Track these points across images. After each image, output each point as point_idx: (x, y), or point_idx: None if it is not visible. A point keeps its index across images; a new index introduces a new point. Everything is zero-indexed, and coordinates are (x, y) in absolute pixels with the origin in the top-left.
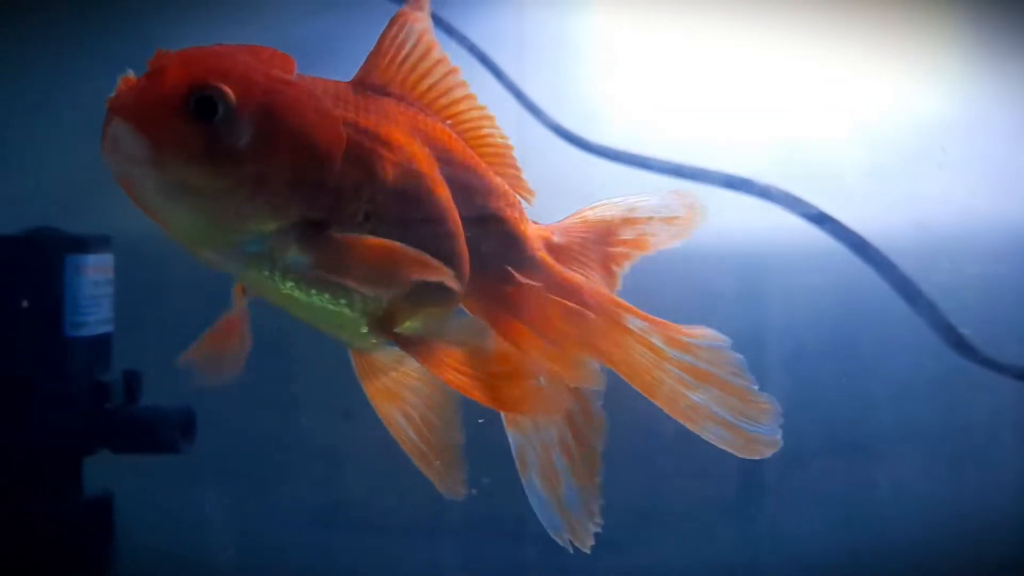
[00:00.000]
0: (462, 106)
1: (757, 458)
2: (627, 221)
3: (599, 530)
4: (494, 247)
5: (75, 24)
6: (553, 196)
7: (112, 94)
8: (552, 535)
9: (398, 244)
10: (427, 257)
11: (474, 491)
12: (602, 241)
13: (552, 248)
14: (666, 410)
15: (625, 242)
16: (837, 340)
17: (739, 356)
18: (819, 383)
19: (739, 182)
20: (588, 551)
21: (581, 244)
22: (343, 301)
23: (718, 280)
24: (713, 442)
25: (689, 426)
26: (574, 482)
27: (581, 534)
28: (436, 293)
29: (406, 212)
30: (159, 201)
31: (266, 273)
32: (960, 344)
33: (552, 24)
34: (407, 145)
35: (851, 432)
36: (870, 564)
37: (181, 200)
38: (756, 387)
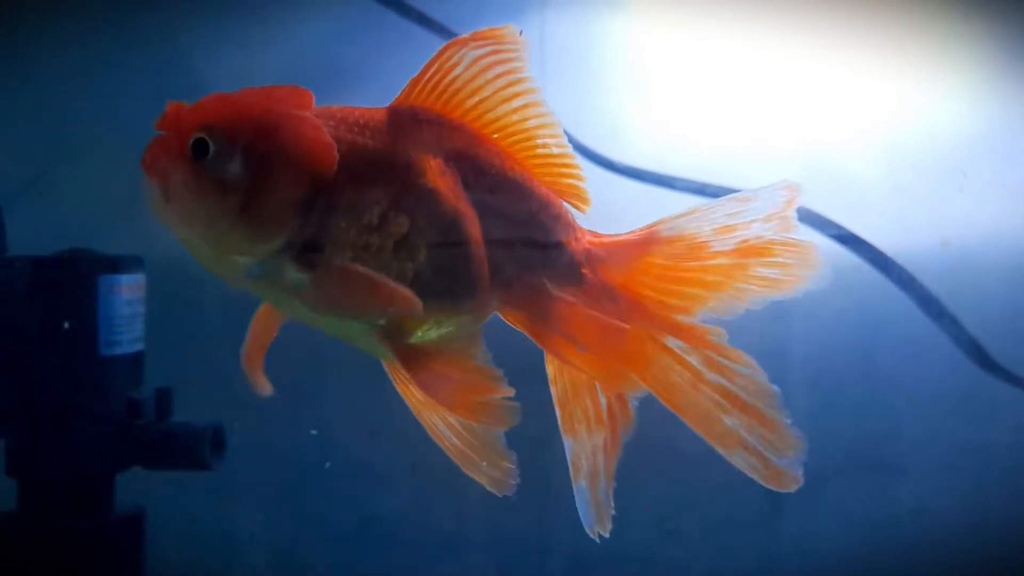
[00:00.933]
0: (514, 118)
1: (780, 490)
2: (724, 231)
3: (614, 512)
4: (531, 258)
5: (112, 47)
6: (576, 215)
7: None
8: (587, 530)
9: (367, 273)
10: (395, 288)
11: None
12: (672, 259)
13: (598, 260)
14: (698, 431)
15: (717, 267)
16: (861, 357)
17: (775, 388)
18: (842, 400)
19: None
20: (607, 535)
21: (637, 258)
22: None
23: None
24: (740, 468)
25: (719, 449)
26: (606, 477)
27: (604, 520)
28: (451, 306)
29: (411, 233)
30: (176, 232)
31: (274, 292)
32: (984, 361)
33: (573, 42)
34: (419, 165)
35: (874, 449)
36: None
37: (188, 231)
38: (789, 420)
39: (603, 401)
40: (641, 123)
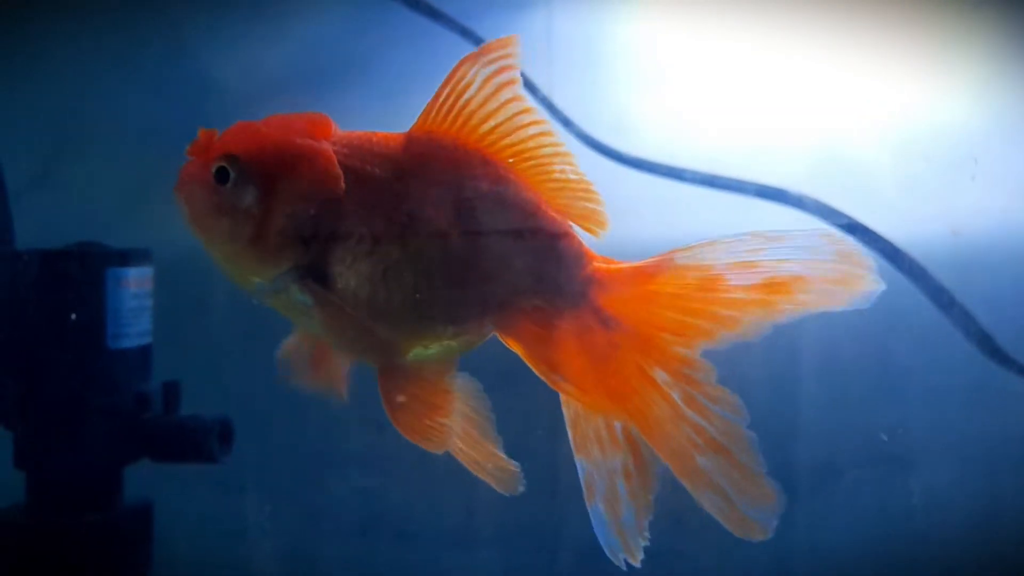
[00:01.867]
0: (529, 144)
1: (744, 537)
2: (740, 266)
3: (647, 543)
4: (528, 284)
5: (119, 42)
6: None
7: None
8: (609, 555)
9: (340, 309)
10: (402, 328)
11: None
12: (682, 289)
13: (601, 287)
14: (670, 465)
15: (732, 300)
16: (871, 349)
17: (752, 434)
18: (854, 392)
19: (773, 192)
20: (638, 565)
21: (644, 285)
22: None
23: None
24: (706, 508)
25: (688, 487)
26: (632, 503)
27: (633, 549)
28: (445, 331)
29: (407, 262)
30: (204, 246)
31: (285, 309)
32: (994, 352)
33: (581, 34)
34: (422, 196)
35: (886, 441)
36: (906, 572)
37: (210, 249)
38: (763, 470)
39: (618, 425)
40: (649, 115)
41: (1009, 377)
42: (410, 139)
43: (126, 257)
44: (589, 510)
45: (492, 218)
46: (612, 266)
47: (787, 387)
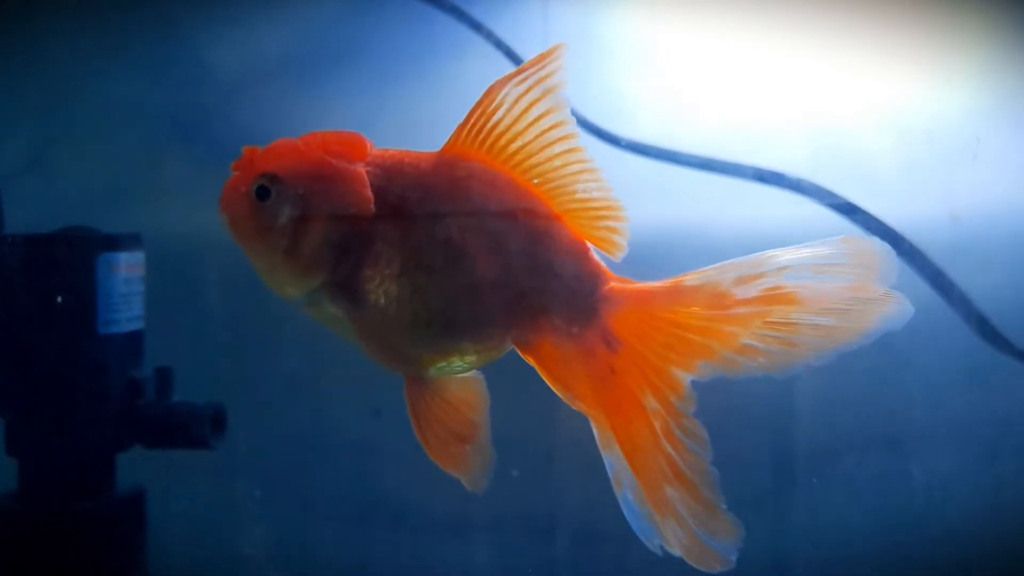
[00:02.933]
0: (556, 163)
1: (702, 569)
2: (745, 280)
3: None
4: (546, 302)
5: (111, 25)
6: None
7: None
8: (644, 541)
9: (370, 323)
10: (427, 343)
11: (514, 472)
12: (692, 310)
13: (613, 307)
14: (642, 488)
15: (734, 317)
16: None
17: (714, 471)
18: (852, 376)
19: (770, 176)
20: (726, 566)
21: (652, 307)
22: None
23: None
24: (669, 540)
25: (656, 514)
26: (689, 501)
27: (706, 553)
28: (466, 346)
29: (431, 281)
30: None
31: (319, 317)
32: (992, 336)
33: (578, 17)
34: (447, 218)
35: (885, 425)
36: (907, 556)
37: (251, 260)
38: (723, 505)
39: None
40: (646, 98)
41: (1007, 360)
42: (440, 160)
43: (117, 242)
44: (619, 498)
45: (514, 238)
46: (626, 287)
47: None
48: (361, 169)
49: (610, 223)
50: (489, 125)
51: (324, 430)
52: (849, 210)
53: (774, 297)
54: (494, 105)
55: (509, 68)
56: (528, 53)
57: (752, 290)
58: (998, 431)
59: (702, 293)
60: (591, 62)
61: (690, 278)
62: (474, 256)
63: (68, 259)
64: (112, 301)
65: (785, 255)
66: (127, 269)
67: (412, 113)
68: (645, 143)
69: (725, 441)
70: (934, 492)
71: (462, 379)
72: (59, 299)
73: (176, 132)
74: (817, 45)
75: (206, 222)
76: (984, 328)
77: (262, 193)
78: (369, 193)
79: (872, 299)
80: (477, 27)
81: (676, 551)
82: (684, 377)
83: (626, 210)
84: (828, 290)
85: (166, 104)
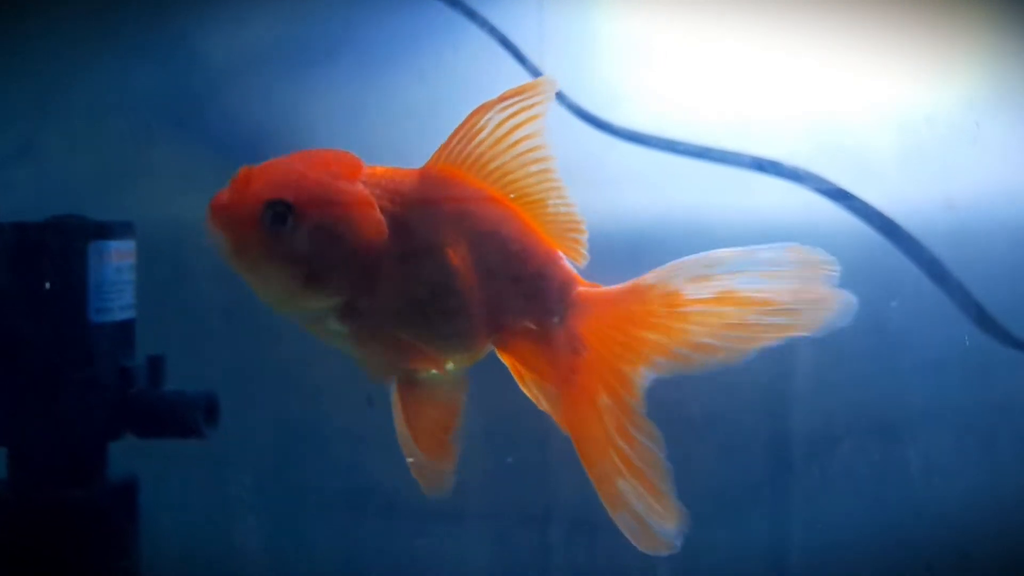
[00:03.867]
0: (531, 181)
1: (651, 552)
2: (698, 280)
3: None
4: (523, 304)
5: (100, 12)
6: (577, 181)
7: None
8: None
9: (370, 337)
10: (424, 349)
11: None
12: (650, 308)
13: (580, 310)
14: (593, 482)
15: (690, 315)
16: (866, 320)
17: (666, 462)
18: (848, 363)
19: (767, 164)
20: (672, 550)
21: (617, 309)
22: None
23: None
24: (619, 526)
25: (607, 506)
26: (641, 491)
27: (654, 538)
28: (454, 352)
29: (425, 294)
30: (243, 277)
31: (319, 332)
32: (989, 325)
33: (574, 5)
34: (438, 233)
35: (881, 412)
36: (905, 543)
37: (252, 282)
38: (673, 495)
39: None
40: (642, 87)
41: (1003, 349)
42: (429, 177)
43: (108, 230)
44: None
45: (500, 250)
46: (592, 291)
47: (782, 358)
48: (367, 192)
49: (575, 235)
50: (472, 145)
51: (317, 419)
52: (844, 198)
53: (726, 298)
54: (478, 127)
55: (504, 56)
56: (523, 41)
57: (705, 291)
58: (997, 417)
59: (657, 292)
60: (586, 49)
61: (647, 279)
62: (468, 268)
63: (59, 247)
64: (103, 289)
65: (736, 257)
66: (118, 257)
67: (405, 101)
68: (640, 131)
69: (720, 427)
70: (932, 478)
71: (450, 378)
72: (47, 285)
73: (167, 120)
74: (815, 36)
75: (197, 210)
76: (980, 316)
77: (277, 220)
78: (380, 215)
79: (819, 299)
80: (472, 15)
81: (626, 535)
82: (640, 376)
83: (585, 223)
84: (777, 291)
85: (157, 91)
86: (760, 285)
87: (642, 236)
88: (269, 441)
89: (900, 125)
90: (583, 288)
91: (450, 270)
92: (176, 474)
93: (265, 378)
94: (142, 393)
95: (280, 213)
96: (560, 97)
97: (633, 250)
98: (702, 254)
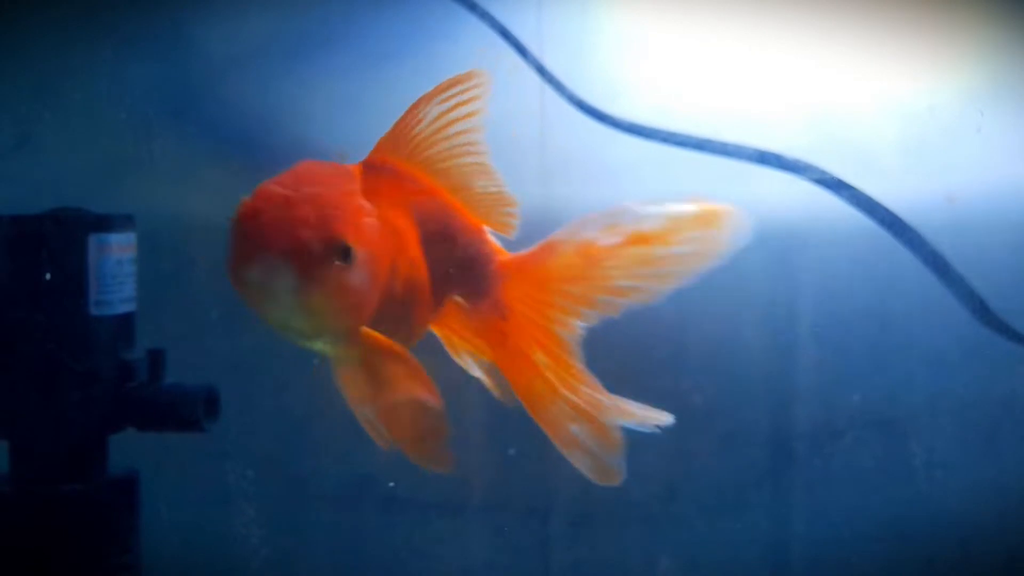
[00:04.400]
0: (464, 170)
1: (605, 484)
2: (608, 228)
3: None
4: (450, 281)
5: (98, 5)
6: (577, 172)
7: (239, 210)
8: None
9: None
10: (420, 372)
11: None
12: (566, 263)
13: (504, 279)
14: (546, 432)
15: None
16: (868, 314)
17: (610, 400)
18: (850, 356)
19: (767, 156)
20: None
21: (535, 271)
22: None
23: (747, 254)
24: (576, 465)
25: (561, 448)
26: (590, 431)
27: (608, 471)
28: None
29: (402, 290)
30: (278, 313)
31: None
32: (990, 319)
33: None
34: (406, 230)
35: (884, 405)
36: (906, 536)
37: (295, 316)
38: (619, 430)
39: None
40: (643, 79)
41: (1004, 343)
42: (370, 169)
43: (108, 222)
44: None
45: (436, 233)
46: (510, 258)
47: (785, 351)
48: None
49: (505, 210)
50: (408, 137)
51: (317, 410)
52: (846, 190)
53: (636, 238)
54: (416, 119)
55: (505, 49)
56: (524, 32)
57: (615, 236)
58: (998, 412)
59: (572, 246)
60: (587, 41)
61: (559, 235)
62: (422, 257)
63: (58, 240)
64: (104, 282)
65: (640, 206)
66: (118, 250)
67: (404, 93)
68: (640, 123)
69: (721, 416)
70: (935, 470)
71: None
72: (48, 276)
73: (166, 112)
74: (817, 29)
75: (197, 202)
76: (980, 310)
77: (346, 257)
78: (403, 236)
79: (715, 219)
80: (472, 6)
81: (583, 472)
82: (569, 329)
83: (516, 197)
84: (679, 222)
85: (155, 83)
86: (664, 223)
87: None
88: (269, 434)
89: (902, 118)
90: (503, 257)
91: (418, 262)
92: (176, 467)
93: (265, 371)
94: (142, 387)
95: (347, 250)
96: (560, 89)
97: None
98: (608, 208)
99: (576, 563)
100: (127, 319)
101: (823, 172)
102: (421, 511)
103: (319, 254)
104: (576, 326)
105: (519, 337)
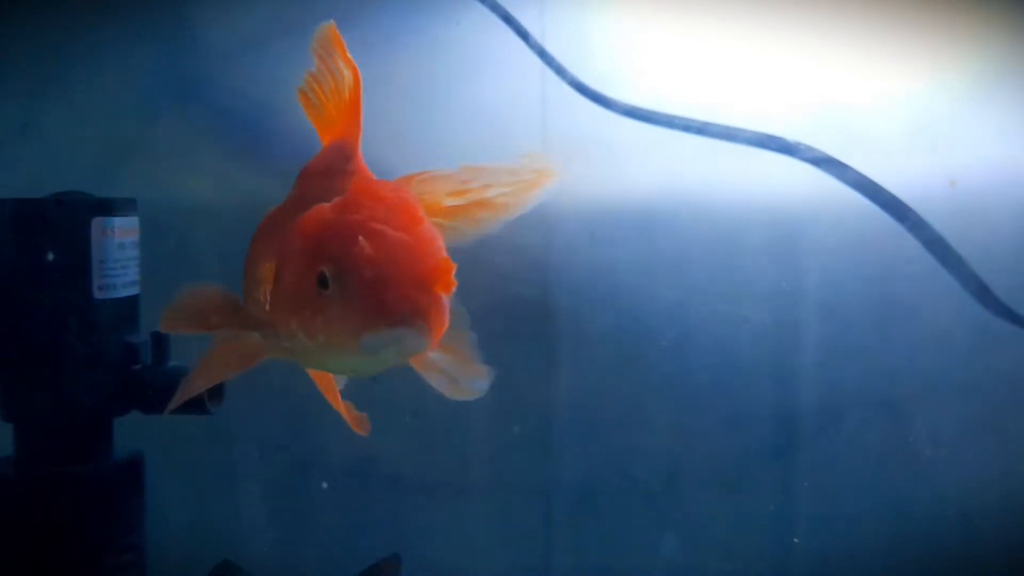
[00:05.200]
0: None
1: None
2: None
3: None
4: None
5: None
6: (578, 156)
7: (354, 260)
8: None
9: None
10: None
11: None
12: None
13: None
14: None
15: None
16: (871, 295)
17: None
18: (853, 337)
19: (767, 140)
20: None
21: None
22: None
23: (749, 238)
24: (433, 385)
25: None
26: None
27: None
28: None
29: None
30: (378, 367)
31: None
32: (992, 302)
33: None
34: None
35: (886, 386)
36: (910, 517)
37: (390, 364)
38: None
39: None
40: (645, 64)
41: (1006, 326)
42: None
43: (111, 206)
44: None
45: None
46: None
47: (788, 332)
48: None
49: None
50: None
51: (321, 393)
52: (848, 173)
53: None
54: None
55: (507, 32)
56: (524, 16)
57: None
58: (1002, 393)
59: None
60: (588, 24)
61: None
62: None
63: (62, 223)
64: (107, 266)
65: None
66: (122, 233)
67: (407, 77)
68: (640, 107)
69: (726, 395)
70: (939, 451)
71: None
72: (50, 257)
73: (169, 97)
74: (819, 15)
75: (201, 187)
76: (982, 294)
77: (448, 290)
78: None
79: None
80: None
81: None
82: None
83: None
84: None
85: (159, 68)
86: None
87: (644, 212)
88: (273, 415)
89: (904, 103)
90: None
91: None
92: (181, 449)
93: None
94: (147, 369)
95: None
96: (561, 73)
97: (637, 225)
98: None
99: (579, 542)
100: (131, 302)
101: (824, 155)
102: (425, 491)
103: (446, 307)
104: None
105: None
